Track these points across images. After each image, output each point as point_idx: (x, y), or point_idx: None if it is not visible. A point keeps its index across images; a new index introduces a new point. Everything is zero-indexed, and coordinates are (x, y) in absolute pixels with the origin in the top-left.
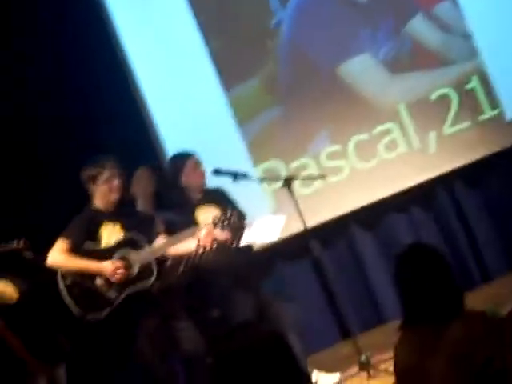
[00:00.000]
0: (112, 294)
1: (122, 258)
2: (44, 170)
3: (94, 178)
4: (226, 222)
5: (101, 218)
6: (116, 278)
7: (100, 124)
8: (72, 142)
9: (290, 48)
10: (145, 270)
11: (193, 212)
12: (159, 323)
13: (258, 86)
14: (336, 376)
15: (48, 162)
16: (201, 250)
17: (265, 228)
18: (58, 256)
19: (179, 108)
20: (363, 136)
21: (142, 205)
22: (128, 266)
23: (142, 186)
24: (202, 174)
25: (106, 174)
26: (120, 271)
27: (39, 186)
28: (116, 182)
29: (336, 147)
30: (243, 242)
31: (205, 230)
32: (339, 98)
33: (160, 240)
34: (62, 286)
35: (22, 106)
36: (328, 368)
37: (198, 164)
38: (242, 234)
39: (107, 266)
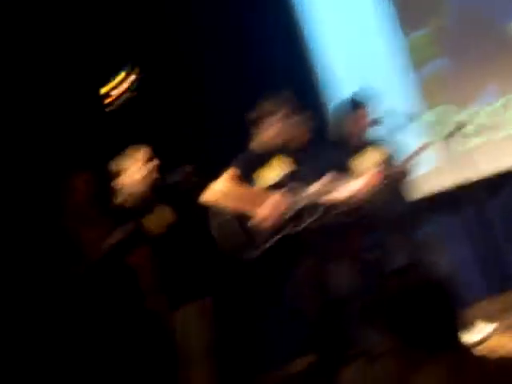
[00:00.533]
0: (270, 230)
1: (285, 195)
2: (212, 111)
3: (262, 118)
4: (390, 171)
5: (264, 157)
6: (277, 213)
7: (274, 68)
8: (240, 84)
9: (462, 1)
10: (308, 209)
11: (355, 156)
12: (315, 263)
13: (428, 35)
14: (492, 326)
15: (217, 103)
16: (363, 193)
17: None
18: (225, 183)
19: (352, 50)
20: None
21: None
22: (291, 204)
23: (304, 133)
24: (367, 124)
25: (280, 113)
26: (282, 207)
27: (210, 125)
28: (285, 125)
29: (503, 101)
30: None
31: (368, 175)
32: (508, 55)
33: (323, 182)
34: (215, 221)
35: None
36: (485, 318)
37: (366, 113)
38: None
39: (272, 198)
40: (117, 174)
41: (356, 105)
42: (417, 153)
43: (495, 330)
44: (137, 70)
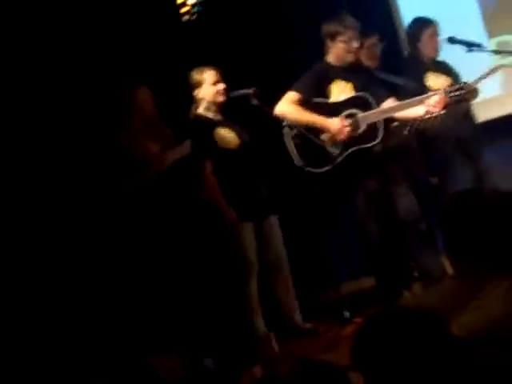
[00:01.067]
0: (335, 150)
1: (350, 116)
2: (279, 26)
3: (334, 35)
4: (459, 93)
5: (333, 74)
6: (341, 136)
7: None
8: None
9: None
10: (371, 131)
11: (422, 77)
12: (378, 185)
13: None
14: None
15: (284, 20)
16: (429, 116)
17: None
18: (287, 106)
19: None
20: None
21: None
22: (355, 125)
23: (372, 55)
24: (438, 44)
25: (347, 35)
26: (346, 129)
27: (274, 42)
28: (355, 45)
29: None
30: None
31: (436, 96)
32: None
33: (389, 103)
34: (286, 135)
35: None
36: None
37: (436, 33)
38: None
39: (334, 123)
40: (196, 86)
41: (427, 22)
42: (485, 76)
43: None
44: None
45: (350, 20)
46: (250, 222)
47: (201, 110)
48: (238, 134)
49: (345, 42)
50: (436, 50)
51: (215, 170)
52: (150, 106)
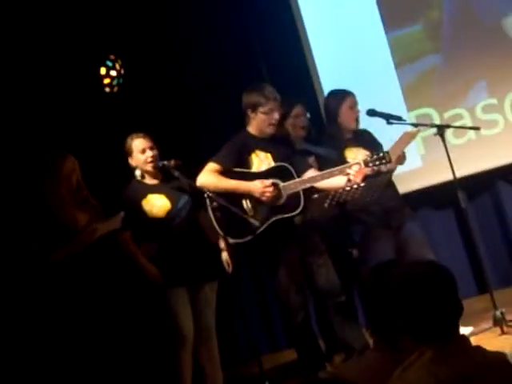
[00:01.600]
0: (256, 221)
1: (272, 186)
2: (198, 96)
3: (254, 106)
4: (378, 163)
5: (254, 145)
6: (265, 197)
7: (260, 56)
8: (230, 70)
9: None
10: (292, 201)
11: (342, 150)
12: (298, 255)
13: (421, 31)
14: (469, 329)
15: (203, 89)
16: (350, 187)
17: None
18: (209, 176)
19: (339, 46)
20: None
21: (295, 139)
22: (277, 195)
23: (299, 124)
24: (357, 115)
25: (268, 106)
26: (269, 190)
27: (194, 111)
28: (276, 116)
29: (492, 101)
30: None
31: (356, 166)
32: (500, 51)
33: (310, 173)
34: (208, 207)
35: (185, 39)
36: (462, 320)
37: (354, 103)
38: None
39: (257, 185)
40: (128, 153)
41: (346, 93)
42: (401, 146)
43: (471, 333)
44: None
45: (270, 91)
46: (184, 288)
47: (138, 177)
48: (171, 199)
49: (266, 113)
50: (355, 121)
51: (142, 237)
52: (76, 176)
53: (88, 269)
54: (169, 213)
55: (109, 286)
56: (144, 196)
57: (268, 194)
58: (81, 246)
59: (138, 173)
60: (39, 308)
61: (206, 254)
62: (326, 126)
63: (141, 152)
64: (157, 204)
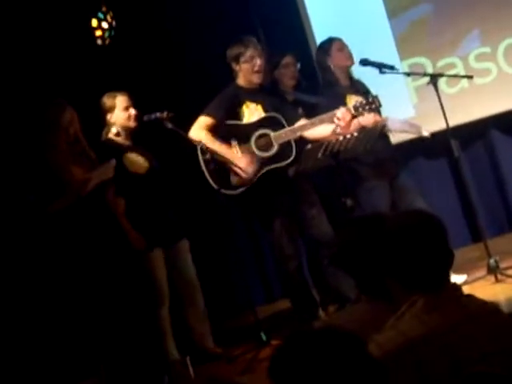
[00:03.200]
0: (248, 177)
1: (263, 136)
2: (191, 49)
3: (236, 57)
4: (368, 107)
5: (243, 96)
6: (245, 176)
7: (252, 8)
8: (222, 23)
9: None
10: (284, 150)
11: (341, 97)
12: (291, 206)
13: None
14: (463, 277)
15: (195, 42)
16: (339, 133)
17: (410, 126)
18: (200, 132)
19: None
20: None
21: (285, 89)
22: (268, 145)
23: (289, 74)
24: (349, 55)
25: (249, 53)
26: (251, 169)
27: (186, 65)
28: (258, 62)
29: (485, 49)
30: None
31: (343, 109)
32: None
33: (301, 123)
34: (200, 159)
35: None
36: (456, 269)
37: (343, 45)
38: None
39: (242, 162)
40: (108, 110)
41: (333, 38)
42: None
43: (465, 282)
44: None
45: (249, 39)
46: (159, 248)
47: (111, 135)
48: (147, 159)
49: (247, 61)
50: (348, 59)
51: (124, 195)
52: (74, 128)
53: (79, 221)
54: (148, 170)
55: (95, 241)
56: (123, 153)
57: (245, 176)
58: (74, 196)
59: (114, 130)
60: (34, 257)
61: (178, 214)
62: (322, 77)
63: (124, 109)
64: (136, 161)
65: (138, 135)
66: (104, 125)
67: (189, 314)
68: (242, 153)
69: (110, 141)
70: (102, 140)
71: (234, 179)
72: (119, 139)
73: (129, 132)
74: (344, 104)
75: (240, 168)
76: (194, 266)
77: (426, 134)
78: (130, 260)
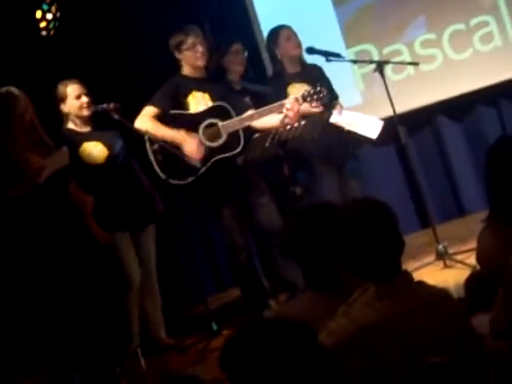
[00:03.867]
0: (197, 162)
1: (210, 125)
2: (136, 38)
3: (178, 45)
4: (316, 97)
5: (189, 86)
6: (195, 157)
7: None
8: (168, 13)
9: None
10: (232, 140)
11: (285, 86)
12: (240, 195)
13: None
14: None
15: (140, 32)
16: (287, 123)
17: (363, 123)
18: (146, 121)
19: None
20: (459, 26)
21: (233, 78)
22: (216, 135)
23: (238, 60)
24: (297, 44)
25: (190, 40)
26: (201, 151)
27: (131, 54)
28: (200, 49)
29: (431, 35)
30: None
31: (291, 99)
32: None
33: (249, 112)
34: (148, 149)
35: None
36: (405, 255)
37: (291, 34)
38: (330, 113)
39: (190, 144)
40: (60, 100)
41: (281, 26)
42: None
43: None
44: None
45: (190, 27)
46: (127, 233)
47: (69, 125)
48: (107, 145)
49: (189, 48)
50: (297, 48)
51: (85, 184)
52: (29, 115)
53: (37, 210)
54: (107, 158)
55: (56, 230)
56: (80, 144)
57: (199, 155)
58: (31, 184)
59: (71, 119)
60: None
61: (143, 198)
62: (272, 66)
63: (76, 98)
64: (94, 151)
65: (98, 119)
66: (60, 115)
67: (146, 303)
68: None
69: (69, 130)
70: (61, 130)
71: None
72: (77, 128)
73: (85, 119)
74: (285, 93)
75: (189, 151)
76: (155, 255)
77: (373, 136)
78: (94, 249)
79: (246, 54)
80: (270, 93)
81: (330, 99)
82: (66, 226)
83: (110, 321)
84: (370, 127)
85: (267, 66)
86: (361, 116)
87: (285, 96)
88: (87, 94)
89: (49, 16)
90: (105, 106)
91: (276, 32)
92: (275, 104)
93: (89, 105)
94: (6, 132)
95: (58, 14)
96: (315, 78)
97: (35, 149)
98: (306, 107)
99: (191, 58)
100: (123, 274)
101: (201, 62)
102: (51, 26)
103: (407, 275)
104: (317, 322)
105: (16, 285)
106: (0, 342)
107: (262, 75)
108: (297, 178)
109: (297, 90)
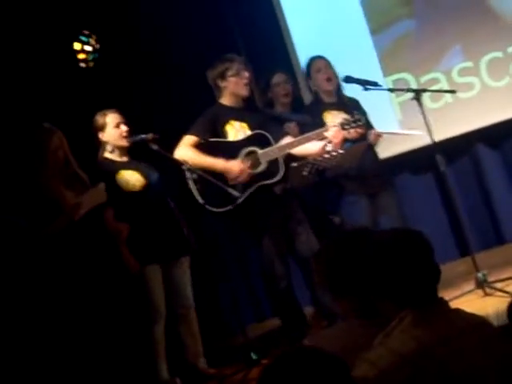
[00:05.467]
0: (236, 191)
1: (250, 153)
2: (174, 70)
3: (222, 73)
4: (354, 125)
5: (227, 115)
6: (240, 179)
7: (235, 28)
8: (205, 44)
9: None
10: (271, 168)
11: (321, 113)
12: (280, 224)
13: None
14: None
15: (178, 64)
16: (328, 152)
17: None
18: (186, 151)
19: (314, 15)
20: (496, 54)
21: (282, 110)
22: (256, 163)
23: (283, 91)
24: (328, 77)
25: (235, 67)
26: (246, 172)
27: (170, 86)
28: (246, 75)
29: (468, 63)
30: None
31: (334, 128)
32: (475, 14)
33: (287, 140)
34: (188, 178)
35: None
36: (444, 284)
37: (322, 66)
38: (367, 141)
39: (234, 167)
40: (99, 129)
41: (313, 57)
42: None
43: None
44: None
45: (233, 55)
46: (157, 265)
47: (106, 154)
48: (144, 175)
49: (235, 74)
50: (327, 81)
51: (120, 212)
52: (64, 151)
53: (73, 246)
54: (144, 187)
55: (91, 262)
56: (117, 171)
57: (242, 177)
58: (66, 222)
59: (109, 148)
60: (28, 281)
61: (177, 230)
62: (310, 94)
63: (115, 126)
64: (131, 179)
65: (135, 151)
66: (99, 144)
67: (184, 334)
68: None
69: (105, 159)
70: (99, 159)
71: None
72: (114, 157)
73: (123, 149)
74: (321, 121)
75: (234, 172)
76: (191, 284)
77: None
78: (124, 279)
79: (290, 82)
80: (308, 121)
81: (367, 128)
82: (100, 256)
83: (136, 353)
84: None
85: (304, 95)
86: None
87: (321, 124)
88: (126, 123)
89: (88, 48)
90: (143, 136)
91: (309, 62)
92: (315, 132)
93: (128, 134)
94: (40, 168)
95: (98, 46)
96: (352, 107)
97: (69, 184)
98: (345, 135)
99: (237, 84)
100: (150, 307)
101: (245, 91)
102: (90, 57)
103: (444, 303)
104: (354, 350)
105: (51, 318)
106: (29, 371)
107: (300, 103)
108: (335, 207)
109: (333, 117)
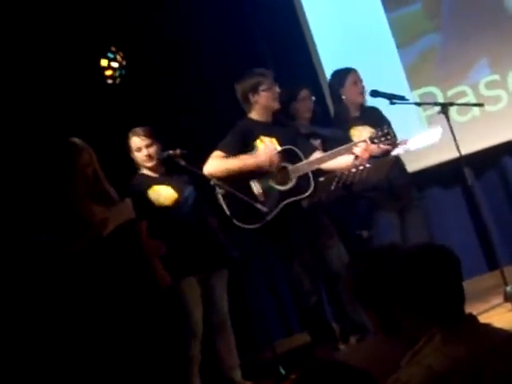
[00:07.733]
0: (264, 207)
1: (281, 169)
2: (200, 84)
3: (255, 87)
4: (384, 139)
5: (257, 130)
6: (274, 165)
7: (260, 41)
8: (231, 57)
9: None
10: (301, 183)
11: (347, 129)
12: (309, 239)
13: (420, 10)
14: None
15: (204, 77)
16: (356, 166)
17: (423, 139)
18: (214, 162)
19: (340, 29)
20: None
21: (302, 122)
22: (286, 178)
23: (306, 107)
24: (361, 90)
25: (268, 81)
26: (276, 158)
27: (197, 101)
28: (277, 89)
29: (495, 76)
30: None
31: (363, 144)
32: (502, 27)
33: (316, 155)
34: (218, 193)
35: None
36: (472, 298)
37: (357, 79)
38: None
39: (261, 155)
40: (129, 150)
41: (349, 69)
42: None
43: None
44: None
45: (263, 69)
46: (193, 278)
47: (142, 170)
48: (177, 189)
49: (268, 89)
50: (361, 95)
51: (153, 227)
52: (93, 168)
53: (102, 261)
54: (176, 202)
55: (122, 276)
56: (150, 186)
57: (275, 160)
58: (95, 236)
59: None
60: (57, 297)
61: (213, 243)
62: (333, 107)
63: (137, 150)
64: (163, 193)
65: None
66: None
67: (220, 347)
68: (262, 189)
69: (140, 175)
70: (135, 176)
71: (258, 197)
72: (149, 173)
73: (153, 167)
74: (347, 135)
75: (265, 161)
76: (227, 298)
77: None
78: (158, 295)
79: (313, 99)
80: (339, 136)
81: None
82: (130, 271)
83: (171, 369)
84: (429, 137)
85: (330, 108)
86: (421, 136)
87: (347, 138)
88: (149, 146)
89: (114, 64)
90: (171, 152)
91: (343, 74)
92: (344, 146)
93: (151, 156)
94: (70, 184)
95: (124, 62)
96: (375, 120)
97: (98, 200)
98: (373, 149)
99: (268, 98)
100: (187, 321)
101: (277, 104)
102: (117, 74)
103: (473, 318)
104: (383, 366)
105: (81, 334)
106: None
107: (325, 114)
108: (363, 221)
109: (359, 132)
